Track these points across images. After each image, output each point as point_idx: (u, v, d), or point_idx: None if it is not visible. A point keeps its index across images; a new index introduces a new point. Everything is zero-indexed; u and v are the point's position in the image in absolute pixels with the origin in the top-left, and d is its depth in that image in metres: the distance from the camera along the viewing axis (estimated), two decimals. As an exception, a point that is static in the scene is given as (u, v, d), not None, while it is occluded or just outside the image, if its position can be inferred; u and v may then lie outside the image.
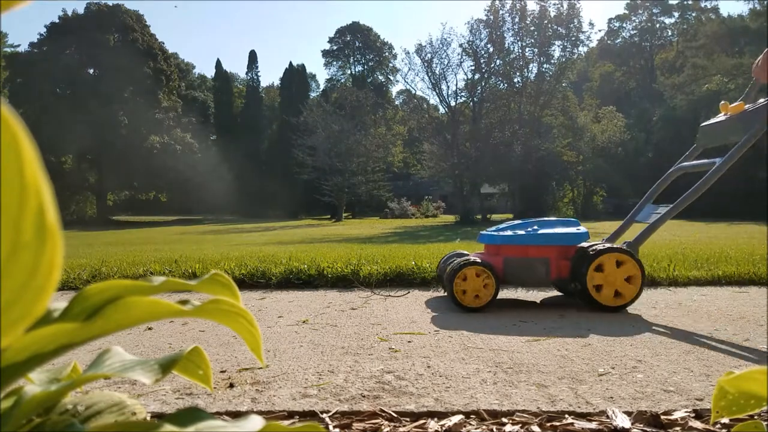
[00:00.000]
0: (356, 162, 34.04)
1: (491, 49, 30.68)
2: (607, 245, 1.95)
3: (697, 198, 1.99)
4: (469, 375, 1.15)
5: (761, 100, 2.01)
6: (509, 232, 2.09)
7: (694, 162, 2.15)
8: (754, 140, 1.91)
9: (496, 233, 2.10)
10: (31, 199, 0.27)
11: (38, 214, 0.28)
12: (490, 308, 1.99)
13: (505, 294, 2.36)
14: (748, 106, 2.00)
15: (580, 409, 0.93)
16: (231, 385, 1.09)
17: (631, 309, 1.97)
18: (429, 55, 30.49)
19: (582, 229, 2.09)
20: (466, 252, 2.19)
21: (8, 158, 0.26)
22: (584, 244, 2.03)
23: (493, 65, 31.02)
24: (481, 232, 2.15)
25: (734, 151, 1.91)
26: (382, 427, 0.87)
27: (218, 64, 50.72)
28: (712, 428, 0.85)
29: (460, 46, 30.95)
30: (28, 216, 0.27)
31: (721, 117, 2.09)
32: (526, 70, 31.21)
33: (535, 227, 2.11)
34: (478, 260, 1.95)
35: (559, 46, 30.97)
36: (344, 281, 2.65)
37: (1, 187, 0.27)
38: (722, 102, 2.10)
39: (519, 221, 2.22)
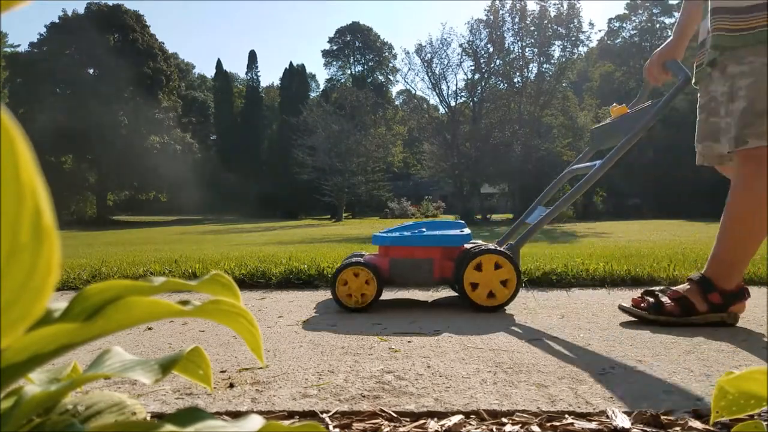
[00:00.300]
0: (356, 162, 34.03)
1: (491, 49, 30.69)
2: (490, 246, 2.00)
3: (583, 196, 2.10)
4: (469, 375, 1.15)
5: (642, 104, 2.07)
6: (397, 234, 2.15)
7: (581, 165, 2.22)
8: (630, 145, 1.98)
9: (385, 234, 2.15)
10: (28, 201, 0.27)
11: (35, 215, 0.28)
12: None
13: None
14: (631, 110, 2.07)
15: (580, 409, 0.93)
16: (231, 385, 1.09)
17: (631, 309, 1.97)
18: (429, 55, 30.52)
19: (466, 231, 2.15)
20: (365, 253, 2.22)
21: (5, 161, 0.26)
22: (468, 245, 2.08)
23: (493, 65, 31.03)
24: (374, 233, 2.18)
25: (612, 155, 1.98)
26: (382, 427, 0.87)
27: (218, 64, 50.69)
28: (712, 428, 0.85)
29: (460, 46, 30.99)
30: (25, 218, 0.27)
31: (609, 120, 2.16)
32: (526, 70, 31.21)
33: (423, 229, 2.18)
34: (361, 261, 2.00)
35: (559, 46, 30.97)
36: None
37: (-1, 189, 0.27)
38: (613, 105, 2.16)
39: (410, 223, 2.29)
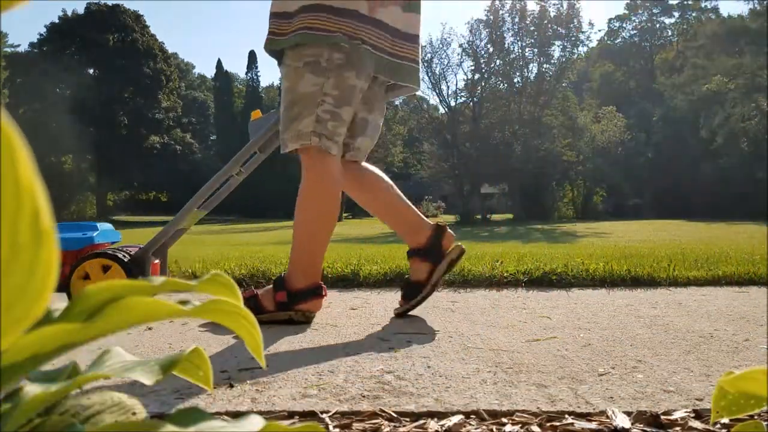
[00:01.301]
0: (356, 162, 33.93)
1: (491, 49, 30.72)
2: (117, 252, 1.86)
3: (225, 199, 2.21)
4: (469, 375, 1.15)
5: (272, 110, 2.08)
6: None
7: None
8: (248, 153, 2.02)
9: None
10: (27, 202, 0.27)
11: (34, 217, 0.28)
12: (486, 310, 1.99)
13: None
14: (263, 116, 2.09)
15: (580, 409, 0.93)
16: (231, 385, 1.09)
17: (630, 310, 1.97)
18: (429, 55, 30.53)
19: (92, 233, 1.99)
20: None
21: (3, 162, 0.27)
22: (112, 249, 1.91)
23: (493, 65, 31.05)
24: None
25: (232, 161, 2.02)
26: (382, 427, 0.87)
27: (218, 64, 50.68)
28: (712, 428, 0.85)
29: (460, 46, 31.05)
30: (24, 219, 0.28)
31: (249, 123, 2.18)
32: (526, 70, 31.23)
33: None
34: None
35: (559, 46, 30.98)
36: (344, 281, 2.65)
37: (-1, 190, 0.27)
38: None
39: None
